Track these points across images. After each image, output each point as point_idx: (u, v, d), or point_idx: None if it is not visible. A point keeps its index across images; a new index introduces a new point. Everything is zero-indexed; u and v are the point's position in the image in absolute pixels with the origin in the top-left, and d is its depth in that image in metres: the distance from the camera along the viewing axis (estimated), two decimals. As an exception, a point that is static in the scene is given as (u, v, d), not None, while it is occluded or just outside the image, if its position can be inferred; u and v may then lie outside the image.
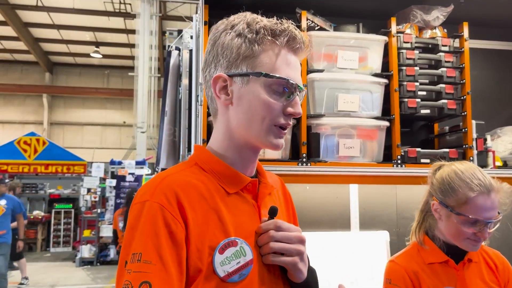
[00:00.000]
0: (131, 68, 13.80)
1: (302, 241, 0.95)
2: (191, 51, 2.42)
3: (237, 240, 0.90)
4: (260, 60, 0.94)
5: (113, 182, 9.80)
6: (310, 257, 1.06)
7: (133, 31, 13.44)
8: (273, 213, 0.96)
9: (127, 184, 9.46)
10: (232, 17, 0.98)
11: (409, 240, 1.58)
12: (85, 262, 10.22)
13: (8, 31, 14.39)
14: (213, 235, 0.88)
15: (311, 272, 1.02)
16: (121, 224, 6.05)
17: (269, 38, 0.94)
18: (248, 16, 0.97)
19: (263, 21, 0.95)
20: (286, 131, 0.98)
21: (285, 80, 0.93)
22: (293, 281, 0.96)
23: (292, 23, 0.97)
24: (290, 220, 1.12)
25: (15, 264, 8.35)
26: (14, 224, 6.89)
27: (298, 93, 0.96)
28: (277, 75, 0.93)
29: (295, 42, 0.96)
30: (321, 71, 2.10)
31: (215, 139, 1.01)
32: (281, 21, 0.96)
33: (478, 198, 1.33)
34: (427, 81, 2.27)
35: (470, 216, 1.34)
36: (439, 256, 1.45)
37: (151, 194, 0.87)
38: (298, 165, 2.01)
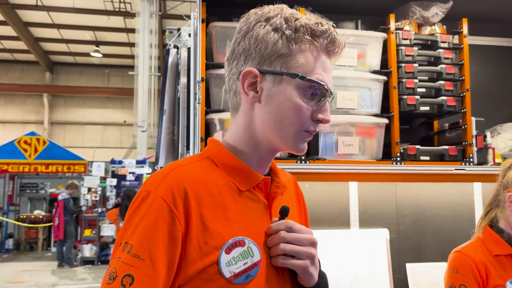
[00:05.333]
0: (132, 67, 13.79)
1: (313, 244, 0.91)
2: (189, 49, 2.41)
3: (244, 240, 0.86)
4: (296, 60, 0.88)
5: (114, 181, 9.81)
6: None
7: (133, 30, 13.44)
8: (284, 213, 0.91)
9: (127, 183, 9.47)
10: (266, 9, 0.92)
11: (474, 234, 1.62)
12: (86, 262, 10.23)
13: (8, 30, 14.39)
14: (219, 235, 0.84)
15: (322, 276, 0.98)
16: (121, 224, 6.04)
17: (308, 38, 0.88)
18: (285, 10, 0.91)
19: (302, 19, 0.90)
20: (311, 136, 0.94)
21: (321, 85, 0.89)
22: (303, 285, 0.92)
23: (333, 25, 0.92)
24: (302, 221, 1.08)
25: None
26: None
27: (328, 98, 0.92)
28: (314, 79, 0.88)
29: (334, 46, 0.91)
30: (319, 68, 2.09)
31: (234, 134, 0.96)
32: (321, 21, 0.91)
33: None
34: (427, 78, 2.26)
35: None
36: (506, 248, 1.48)
37: (157, 186, 0.84)
38: (297, 163, 2.00)
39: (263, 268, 0.87)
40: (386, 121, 2.13)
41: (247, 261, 0.85)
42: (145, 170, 9.85)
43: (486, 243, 1.52)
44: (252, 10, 0.94)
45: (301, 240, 0.89)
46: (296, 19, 0.89)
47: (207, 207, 0.85)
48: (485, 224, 1.56)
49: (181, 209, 0.83)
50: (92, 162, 11.35)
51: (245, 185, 0.92)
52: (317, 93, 0.90)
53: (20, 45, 15.56)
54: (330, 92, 0.91)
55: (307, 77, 0.88)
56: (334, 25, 0.92)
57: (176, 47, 2.82)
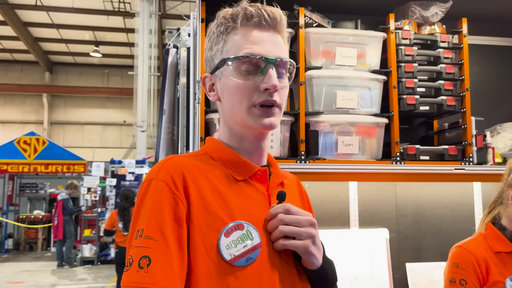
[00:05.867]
0: (131, 67, 13.79)
1: (313, 224, 0.93)
2: (188, 49, 2.41)
3: (243, 224, 0.88)
4: (226, 49, 0.95)
5: (113, 181, 9.79)
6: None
7: (132, 30, 13.43)
8: (281, 197, 0.94)
9: (127, 183, 9.44)
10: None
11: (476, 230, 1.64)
12: (85, 262, 10.23)
13: (8, 30, 14.38)
14: (219, 218, 0.87)
15: (328, 262, 1.01)
16: (120, 225, 5.99)
17: (230, 24, 0.95)
18: (227, 8, 0.98)
19: (230, 10, 0.96)
20: (274, 109, 0.93)
21: (247, 57, 0.91)
22: (308, 269, 0.94)
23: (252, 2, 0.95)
24: None
25: None
26: None
27: (272, 66, 0.92)
28: (239, 55, 0.92)
29: (253, 17, 0.93)
30: (319, 68, 2.09)
31: (220, 131, 1.04)
32: (242, 3, 0.96)
33: None
34: (426, 77, 2.26)
35: None
36: (507, 245, 1.50)
37: (157, 173, 0.89)
38: (296, 162, 2.00)
39: (265, 252, 0.89)
40: (385, 120, 2.13)
41: (246, 244, 0.87)
42: (145, 170, 9.83)
43: (488, 240, 1.53)
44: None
45: (299, 221, 0.91)
46: (223, 15, 0.96)
47: (205, 191, 0.88)
48: (488, 221, 1.58)
49: (182, 190, 0.86)
50: (92, 162, 11.33)
51: (242, 175, 0.95)
52: (253, 65, 0.92)
53: (20, 45, 15.55)
54: (268, 59, 0.92)
55: (232, 56, 0.93)
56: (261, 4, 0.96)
57: (175, 47, 2.81)
